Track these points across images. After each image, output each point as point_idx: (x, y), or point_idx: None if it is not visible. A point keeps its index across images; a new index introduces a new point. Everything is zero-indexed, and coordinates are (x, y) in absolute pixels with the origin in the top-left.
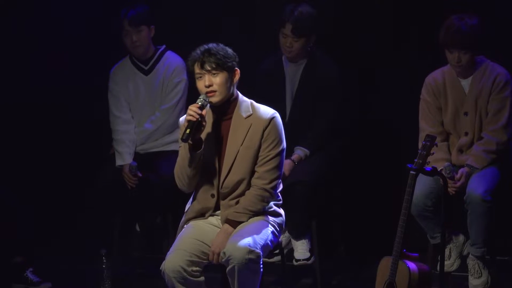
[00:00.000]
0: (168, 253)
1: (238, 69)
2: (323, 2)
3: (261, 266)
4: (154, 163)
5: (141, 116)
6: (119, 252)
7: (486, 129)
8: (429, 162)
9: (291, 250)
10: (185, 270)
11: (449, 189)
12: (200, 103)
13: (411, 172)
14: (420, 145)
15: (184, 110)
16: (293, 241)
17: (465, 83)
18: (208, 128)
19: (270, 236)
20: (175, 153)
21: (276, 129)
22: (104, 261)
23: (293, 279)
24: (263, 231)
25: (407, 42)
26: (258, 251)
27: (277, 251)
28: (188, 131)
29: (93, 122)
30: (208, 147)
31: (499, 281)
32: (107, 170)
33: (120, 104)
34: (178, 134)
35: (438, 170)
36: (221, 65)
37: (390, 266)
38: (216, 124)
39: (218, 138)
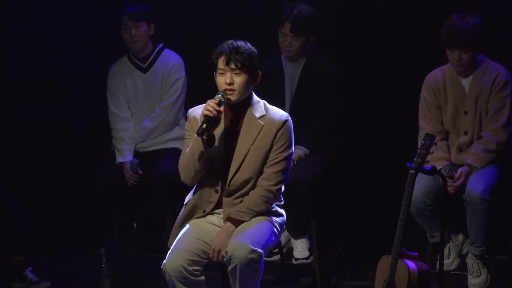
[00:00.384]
0: (169, 252)
1: (260, 72)
2: (322, 1)
3: (263, 265)
4: (154, 161)
5: (140, 114)
6: (118, 251)
7: (485, 128)
8: (428, 161)
9: (291, 249)
10: (186, 270)
11: (448, 188)
12: (218, 99)
13: (411, 171)
14: (419, 144)
15: (183, 108)
16: (293, 240)
17: (465, 82)
18: (220, 124)
19: (272, 236)
20: (174, 151)
21: (288, 132)
22: (103, 260)
23: (292, 278)
24: (265, 231)
25: (407, 41)
26: (260, 250)
27: (276, 250)
28: (204, 126)
29: (92, 121)
30: (218, 144)
31: (498, 280)
32: (108, 167)
33: (118, 103)
34: (177, 131)
35: (438, 169)
36: (246, 66)
37: (390, 265)
38: (229, 122)
39: (229, 135)
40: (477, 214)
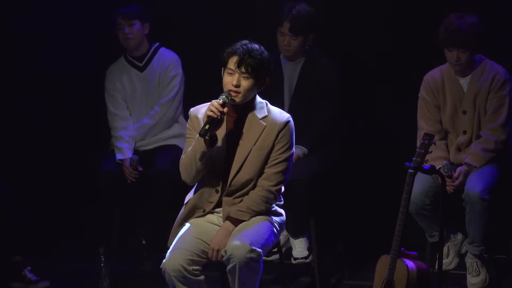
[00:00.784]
0: (169, 252)
1: (268, 78)
2: (322, 1)
3: (262, 265)
4: (153, 159)
5: (138, 113)
6: (117, 250)
7: (484, 128)
8: (427, 160)
9: (290, 249)
10: (185, 269)
11: (447, 188)
12: (222, 100)
13: (410, 170)
14: (418, 144)
15: (182, 105)
16: (292, 240)
17: (464, 82)
18: (222, 125)
19: (271, 236)
20: (172, 147)
21: (290, 133)
22: (103, 259)
23: (291, 277)
24: (264, 230)
25: (407, 41)
26: (259, 250)
27: (275, 250)
28: (207, 127)
29: (92, 121)
30: (220, 143)
31: (497, 280)
32: (107, 165)
33: (116, 102)
34: (176, 129)
35: (437, 168)
36: (255, 72)
37: (389, 264)
38: (231, 122)
39: (231, 136)
40: (476, 213)
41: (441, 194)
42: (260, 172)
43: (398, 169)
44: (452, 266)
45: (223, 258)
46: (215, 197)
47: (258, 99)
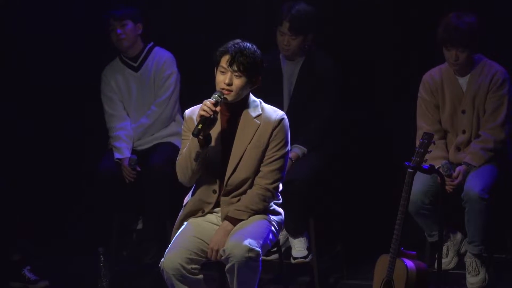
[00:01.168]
0: (167, 250)
1: (261, 77)
2: (322, 1)
3: (260, 264)
4: (149, 156)
5: (135, 113)
6: (116, 250)
7: (483, 127)
8: (426, 160)
9: (289, 248)
10: (184, 268)
11: (446, 187)
12: (214, 100)
13: (409, 170)
14: (417, 143)
15: (178, 103)
16: (291, 239)
17: (463, 81)
18: (216, 124)
19: (270, 235)
20: (169, 145)
21: (284, 131)
22: (102, 259)
23: (290, 277)
24: (263, 230)
25: (407, 41)
26: (258, 249)
27: (274, 249)
28: (200, 126)
29: (91, 121)
30: (215, 143)
31: (496, 279)
32: (105, 163)
33: (113, 103)
34: (173, 127)
35: (436, 168)
36: (247, 70)
37: (388, 264)
38: (225, 121)
39: (226, 135)
40: (475, 212)
41: (440, 194)
42: (256, 171)
43: (397, 169)
44: (451, 266)
45: (222, 258)
46: (213, 198)
47: (252, 97)
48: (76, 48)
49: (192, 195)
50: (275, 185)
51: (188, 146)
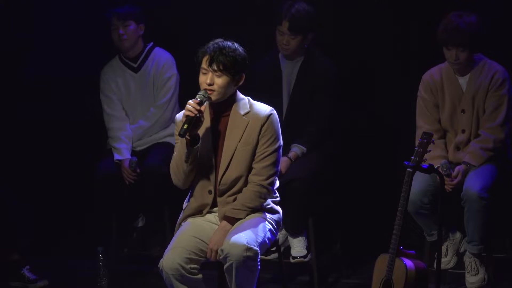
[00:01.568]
0: (166, 250)
1: (244, 74)
2: (322, 1)
3: (259, 263)
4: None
5: (134, 113)
6: (115, 250)
7: (483, 127)
8: (426, 159)
9: (288, 248)
10: (183, 268)
11: (446, 187)
12: (199, 99)
13: (408, 169)
14: (417, 143)
15: (178, 105)
16: (290, 239)
17: (463, 81)
18: (205, 125)
19: (268, 234)
20: (166, 145)
21: (274, 126)
22: (101, 258)
23: (290, 276)
24: (261, 229)
25: (406, 39)
26: (256, 248)
27: (274, 249)
28: (186, 126)
29: (90, 119)
30: (205, 144)
31: (495, 279)
32: (105, 163)
33: (112, 103)
34: (172, 128)
35: (435, 167)
36: (228, 69)
37: (387, 263)
38: (214, 121)
39: (216, 135)
40: (475, 212)
41: (439, 193)
42: (249, 168)
43: (396, 168)
44: (450, 265)
45: (220, 257)
46: (209, 198)
47: (240, 95)
48: (75, 45)
49: (190, 198)
50: (269, 180)
51: (177, 149)
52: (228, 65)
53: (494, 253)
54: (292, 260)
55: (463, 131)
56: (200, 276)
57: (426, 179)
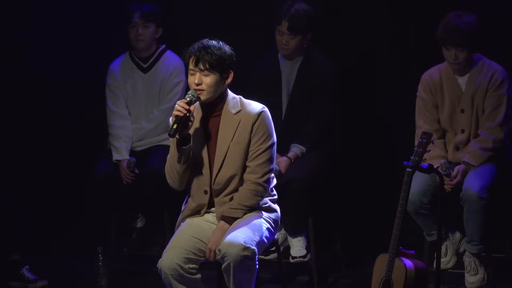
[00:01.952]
0: (165, 250)
1: (232, 72)
2: (321, 1)
3: (257, 263)
4: (146, 157)
5: (138, 113)
6: (115, 249)
7: (482, 127)
8: (425, 159)
9: (288, 248)
10: (181, 268)
11: (445, 187)
12: (188, 99)
13: (408, 169)
14: (416, 143)
15: None
16: (290, 238)
17: (462, 81)
18: (197, 125)
19: (266, 233)
20: (167, 147)
21: (265, 123)
22: (100, 258)
23: (289, 276)
24: (258, 228)
25: (405, 39)
26: (253, 247)
27: (273, 248)
28: (175, 126)
29: (89, 120)
30: (198, 144)
31: (495, 279)
32: (103, 163)
33: (117, 100)
34: None
35: (435, 167)
36: (214, 67)
37: (387, 263)
38: (206, 121)
39: (208, 135)
40: (474, 212)
41: (439, 193)
42: (243, 167)
43: (396, 168)
44: (450, 265)
45: (218, 257)
46: (205, 198)
47: (231, 94)
48: (77, 45)
49: (187, 199)
50: (265, 178)
51: (170, 150)
52: (214, 63)
53: (494, 253)
54: (291, 260)
55: (463, 131)
56: (199, 276)
57: (425, 179)
